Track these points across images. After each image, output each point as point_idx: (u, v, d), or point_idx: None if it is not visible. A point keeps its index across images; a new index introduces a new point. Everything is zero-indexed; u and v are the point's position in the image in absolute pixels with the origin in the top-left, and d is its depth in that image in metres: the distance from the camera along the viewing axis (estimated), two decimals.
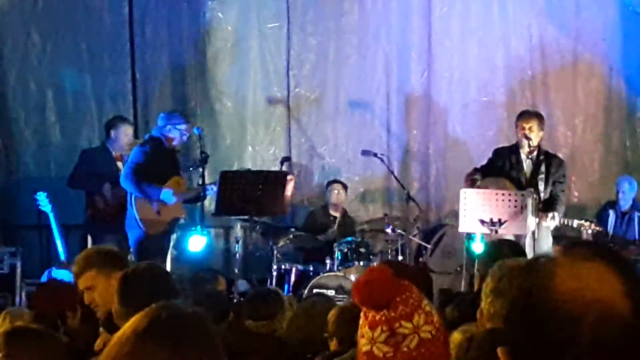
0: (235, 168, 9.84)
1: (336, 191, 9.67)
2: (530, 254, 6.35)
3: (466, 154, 10.31)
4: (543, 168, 8.02)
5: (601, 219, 9.18)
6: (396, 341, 2.00)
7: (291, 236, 9.02)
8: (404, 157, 10.58)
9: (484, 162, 8.48)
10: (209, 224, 9.31)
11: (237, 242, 8.89)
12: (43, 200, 7.94)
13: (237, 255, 8.74)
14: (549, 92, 10.52)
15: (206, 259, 8.72)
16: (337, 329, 3.88)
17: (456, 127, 10.53)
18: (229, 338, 4.19)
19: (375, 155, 9.64)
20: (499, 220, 7.31)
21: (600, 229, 8.60)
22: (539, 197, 7.87)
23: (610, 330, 1.30)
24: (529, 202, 7.41)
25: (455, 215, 8.61)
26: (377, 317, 2.01)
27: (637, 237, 9.23)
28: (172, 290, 3.78)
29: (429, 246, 9.64)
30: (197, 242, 8.10)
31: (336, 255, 8.61)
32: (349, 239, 8.86)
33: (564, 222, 8.11)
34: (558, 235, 8.19)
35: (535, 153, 8.07)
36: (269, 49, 10.51)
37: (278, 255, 8.70)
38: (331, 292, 7.98)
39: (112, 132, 8.56)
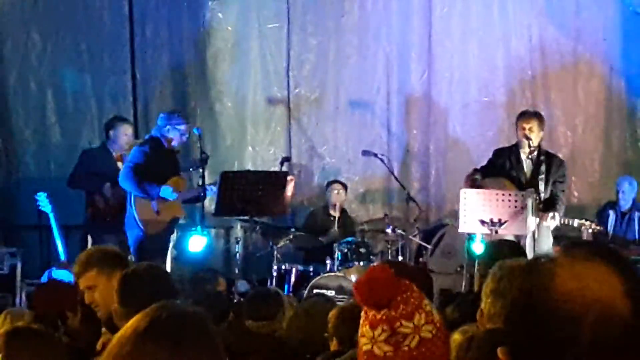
0: (235, 168, 9.85)
1: (336, 191, 9.67)
2: (530, 254, 6.35)
3: (466, 154, 10.31)
4: (543, 168, 8.02)
5: (601, 219, 9.17)
6: (397, 340, 2.00)
7: (291, 236, 9.01)
8: (404, 158, 10.57)
9: (484, 162, 8.48)
10: (209, 224, 9.32)
11: (237, 242, 8.91)
12: (43, 201, 7.94)
13: (237, 255, 8.75)
14: (549, 92, 10.52)
15: (206, 259, 8.72)
16: (337, 329, 3.88)
17: (456, 127, 10.53)
18: (229, 338, 4.19)
19: (375, 155, 9.64)
20: (499, 220, 7.31)
21: (601, 229, 8.60)
22: (539, 197, 7.87)
23: (610, 330, 1.30)
24: (529, 202, 7.41)
25: (455, 215, 8.60)
26: (378, 316, 2.01)
27: (637, 237, 9.22)
28: (172, 290, 3.78)
29: (429, 246, 9.64)
30: (197, 243, 8.10)
31: (336, 255, 8.60)
32: (349, 239, 8.86)
33: (564, 222, 8.11)
34: (558, 235, 8.19)
35: (535, 153, 8.06)
36: (269, 49, 10.52)
37: (278, 256, 8.70)
38: (331, 293, 7.97)
39: (111, 132, 8.57)
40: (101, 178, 8.23)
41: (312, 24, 10.55)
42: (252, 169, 9.96)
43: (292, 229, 9.36)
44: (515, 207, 7.36)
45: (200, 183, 8.13)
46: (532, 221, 7.54)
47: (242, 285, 8.46)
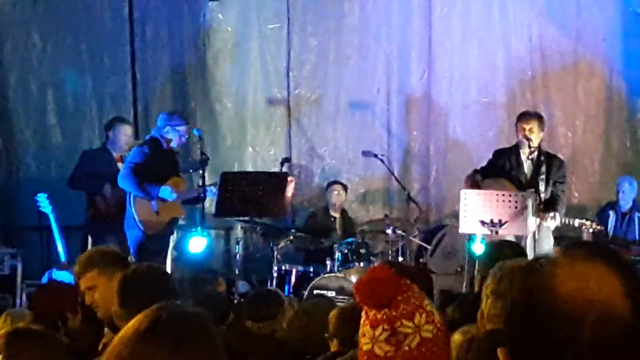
0: (235, 169, 9.86)
1: (336, 192, 9.67)
2: (531, 255, 6.35)
3: (466, 155, 10.31)
4: (543, 169, 8.02)
5: (601, 219, 9.17)
6: (397, 340, 2.00)
7: (291, 237, 9.01)
8: (405, 158, 10.58)
9: (484, 162, 8.48)
10: (210, 225, 9.31)
11: (238, 243, 8.90)
12: (43, 201, 7.94)
13: (238, 256, 8.74)
14: (549, 92, 10.52)
15: (206, 260, 8.71)
16: (337, 330, 3.88)
17: (456, 128, 10.53)
18: (229, 339, 4.19)
19: (375, 156, 9.65)
20: (500, 221, 7.31)
21: (602, 228, 8.61)
22: (540, 198, 7.87)
23: (610, 330, 1.31)
24: (530, 202, 7.40)
25: (455, 216, 8.61)
26: (379, 316, 2.01)
27: (637, 237, 9.22)
28: (172, 291, 3.78)
29: (429, 247, 9.64)
30: (197, 243, 8.10)
31: (336, 256, 8.61)
32: (349, 240, 8.86)
33: (565, 222, 8.11)
34: (559, 235, 8.19)
35: (535, 154, 8.06)
36: (269, 49, 10.52)
37: (278, 257, 8.70)
38: (331, 293, 7.98)
39: (111, 133, 8.58)
40: (101, 179, 8.23)
41: (312, 24, 10.55)
42: (252, 169, 9.97)
43: (293, 230, 9.36)
44: (516, 207, 7.36)
45: (201, 184, 8.13)
46: (532, 222, 7.54)
47: (242, 286, 8.46)
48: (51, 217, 7.90)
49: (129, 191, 7.79)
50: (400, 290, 2.04)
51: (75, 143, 9.90)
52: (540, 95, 10.50)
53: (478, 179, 7.99)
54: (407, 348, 2.00)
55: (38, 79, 10.05)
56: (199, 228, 8.17)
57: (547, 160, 8.10)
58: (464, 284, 8.08)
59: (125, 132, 8.59)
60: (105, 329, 3.92)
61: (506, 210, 7.35)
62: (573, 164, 9.95)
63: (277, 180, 8.20)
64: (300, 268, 8.77)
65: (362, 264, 8.49)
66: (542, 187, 7.96)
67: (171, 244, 8.42)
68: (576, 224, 8.24)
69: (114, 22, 10.22)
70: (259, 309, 4.56)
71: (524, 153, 8.06)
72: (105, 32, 10.21)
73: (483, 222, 7.33)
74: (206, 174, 8.21)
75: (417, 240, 9.62)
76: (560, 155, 8.71)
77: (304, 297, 7.82)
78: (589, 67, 10.52)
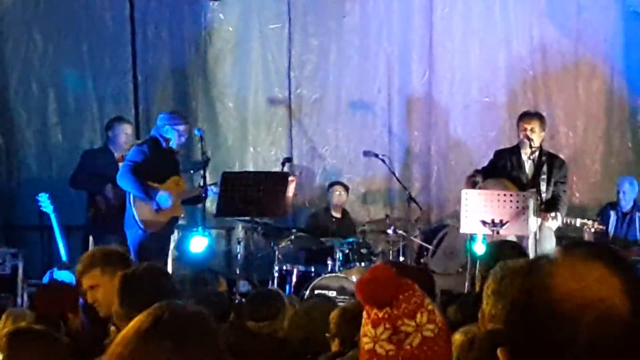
0: (236, 169, 9.86)
1: (338, 192, 9.68)
2: (532, 255, 6.35)
3: (467, 155, 10.31)
4: (545, 169, 8.02)
5: (602, 219, 9.16)
6: (399, 339, 2.00)
7: (292, 237, 9.01)
8: (406, 158, 10.58)
9: (485, 162, 8.48)
10: (211, 225, 9.32)
11: (239, 243, 8.91)
12: (45, 201, 7.94)
13: (239, 256, 8.75)
14: (550, 92, 10.53)
15: (207, 259, 8.71)
16: (338, 330, 3.88)
17: (457, 128, 10.53)
18: (230, 339, 4.20)
19: (376, 156, 9.64)
20: (501, 221, 7.30)
21: (603, 228, 8.60)
22: (541, 198, 7.87)
23: (609, 330, 1.31)
24: (531, 202, 7.40)
25: (456, 216, 8.61)
26: (380, 315, 2.01)
27: (638, 237, 9.21)
28: (172, 290, 3.78)
29: (430, 247, 9.64)
30: (198, 243, 8.10)
31: (337, 256, 8.61)
32: (351, 240, 8.86)
33: (566, 222, 8.11)
34: (561, 235, 8.19)
35: (536, 154, 8.06)
36: (270, 49, 10.52)
37: (279, 256, 8.70)
38: (332, 293, 7.98)
39: (110, 132, 8.59)
40: (103, 179, 8.22)
41: (313, 24, 10.55)
42: (253, 169, 9.97)
43: (294, 230, 9.37)
44: (517, 207, 7.35)
45: (202, 184, 8.12)
46: (533, 222, 7.54)
47: (243, 286, 8.46)
48: (52, 216, 7.90)
49: (127, 190, 7.79)
50: (401, 289, 2.04)
51: (76, 143, 9.90)
52: (541, 96, 10.51)
53: (478, 180, 7.98)
54: (408, 347, 2.00)
55: (39, 79, 10.06)
56: (200, 228, 8.17)
57: (548, 160, 8.10)
58: (466, 284, 8.07)
59: (125, 131, 8.59)
60: (112, 327, 3.92)
61: (507, 211, 7.34)
62: (574, 164, 9.95)
63: (278, 180, 8.20)
64: (301, 268, 8.78)
65: (363, 264, 8.49)
66: (543, 187, 7.96)
67: (172, 244, 8.42)
68: (578, 224, 8.25)
69: (115, 22, 10.22)
70: (260, 308, 4.56)
71: (525, 153, 8.06)
72: (106, 33, 10.21)
73: (484, 222, 7.32)
74: (207, 174, 8.21)
75: (418, 241, 9.62)
76: (561, 155, 8.71)
77: (305, 297, 7.82)
78: (590, 67, 10.52)
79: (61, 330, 4.05)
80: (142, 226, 7.72)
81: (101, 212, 8.27)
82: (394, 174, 9.94)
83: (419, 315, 2.02)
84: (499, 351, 1.41)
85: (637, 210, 9.29)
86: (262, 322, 4.48)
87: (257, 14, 10.49)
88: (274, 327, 4.49)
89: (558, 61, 10.51)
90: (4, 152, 10.04)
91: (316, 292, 8.05)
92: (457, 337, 3.23)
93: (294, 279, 8.68)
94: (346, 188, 9.79)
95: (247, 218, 8.45)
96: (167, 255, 8.15)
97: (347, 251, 8.65)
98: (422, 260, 9.64)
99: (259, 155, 10.49)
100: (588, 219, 8.44)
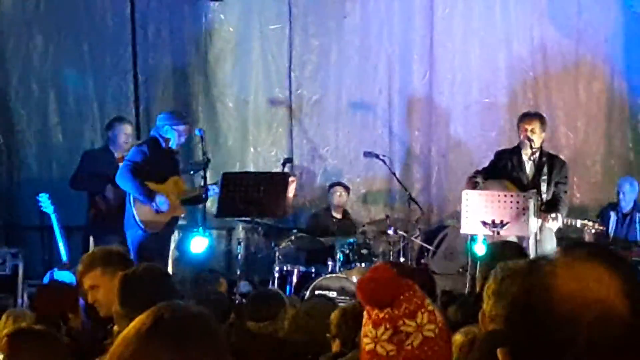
0: (237, 169, 9.85)
1: (338, 193, 9.68)
2: (533, 256, 6.35)
3: (468, 156, 10.31)
4: (545, 169, 8.02)
5: (602, 220, 9.16)
6: (399, 339, 2.00)
7: (293, 237, 9.01)
8: (406, 159, 10.58)
9: (486, 163, 8.48)
10: (211, 226, 9.32)
11: (239, 243, 8.91)
12: (45, 202, 7.94)
13: (239, 256, 8.75)
14: (550, 93, 10.53)
15: (208, 260, 8.72)
16: (339, 330, 3.89)
17: (458, 129, 10.53)
18: (230, 339, 4.20)
19: (377, 156, 9.64)
20: (501, 221, 7.31)
21: (603, 229, 8.60)
22: (541, 199, 7.87)
23: (609, 330, 1.31)
24: (531, 203, 7.40)
25: (457, 216, 8.61)
26: (381, 315, 2.02)
27: (638, 238, 9.21)
28: (172, 291, 3.79)
29: (431, 248, 9.64)
30: (199, 244, 8.10)
31: (338, 256, 8.61)
32: (351, 240, 8.85)
33: (567, 223, 8.11)
34: (561, 236, 8.19)
35: (537, 155, 8.06)
36: (271, 50, 10.52)
37: (280, 257, 8.70)
38: (333, 294, 7.98)
39: (110, 132, 8.59)
40: (103, 179, 8.22)
41: (313, 25, 10.55)
42: (253, 170, 9.96)
43: (294, 230, 9.37)
44: (517, 208, 7.36)
45: (202, 184, 8.12)
46: (534, 222, 7.53)
47: (243, 286, 8.46)
48: (53, 217, 7.90)
49: (125, 190, 7.79)
50: (402, 289, 2.04)
51: (77, 143, 9.90)
52: (541, 96, 10.51)
53: (479, 181, 7.98)
54: (409, 347, 2.00)
55: (40, 79, 10.05)
56: (200, 228, 8.17)
57: (548, 161, 8.10)
58: (466, 285, 8.07)
59: (124, 131, 8.59)
60: (115, 327, 3.92)
61: (508, 211, 7.35)
62: (574, 165, 9.94)
63: (279, 181, 8.20)
64: (302, 268, 8.77)
65: (363, 265, 8.49)
66: (543, 187, 7.96)
67: (173, 244, 8.42)
68: (578, 225, 8.25)
69: (116, 22, 10.22)
70: (260, 309, 4.56)
71: (525, 154, 8.06)
72: (107, 33, 10.21)
73: (485, 223, 7.33)
74: (207, 175, 8.20)
75: (418, 241, 9.61)
76: (561, 156, 8.71)
77: (306, 297, 7.82)
78: (591, 67, 10.52)
79: (61, 330, 4.05)
80: (142, 226, 7.72)
81: (101, 212, 8.27)
82: (394, 174, 9.93)
83: (419, 316, 2.02)
84: (498, 351, 1.41)
85: (637, 211, 9.28)
86: (262, 322, 4.49)
87: (258, 14, 10.49)
88: (275, 328, 4.49)
89: (558, 62, 10.51)
90: (4, 152, 10.03)
91: (317, 292, 8.05)
92: (458, 337, 3.23)
93: (295, 279, 8.68)
94: (347, 188, 9.79)
95: (247, 218, 8.45)
96: (167, 255, 8.15)
97: (347, 252, 8.65)
98: (422, 261, 9.65)
99: (260, 155, 10.49)
100: (588, 220, 8.44)
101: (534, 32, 10.46)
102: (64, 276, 7.04)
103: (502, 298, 3.17)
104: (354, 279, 8.07)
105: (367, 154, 9.82)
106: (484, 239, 7.45)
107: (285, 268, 8.69)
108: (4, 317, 4.76)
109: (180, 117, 8.22)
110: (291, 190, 8.15)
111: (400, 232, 9.01)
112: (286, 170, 9.06)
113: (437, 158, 10.54)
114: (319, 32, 10.55)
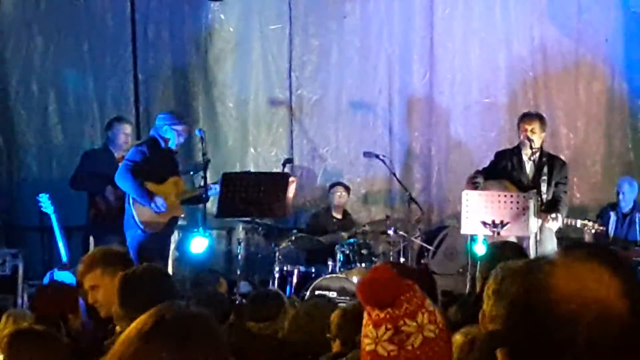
0: (237, 169, 9.85)
1: (339, 194, 9.68)
2: (533, 256, 6.35)
3: (468, 156, 10.31)
4: (545, 170, 8.02)
5: (602, 220, 9.16)
6: (400, 339, 2.00)
7: (293, 238, 9.02)
8: (406, 159, 10.58)
9: (486, 163, 8.48)
10: (211, 226, 9.31)
11: (239, 243, 8.91)
12: (45, 202, 7.94)
13: (239, 256, 8.75)
14: (551, 93, 10.53)
15: (208, 260, 8.72)
16: (339, 331, 3.88)
17: (458, 129, 10.53)
18: (230, 339, 4.20)
19: (377, 156, 9.65)
20: (501, 222, 7.31)
21: (603, 229, 8.60)
22: (541, 199, 7.87)
23: (608, 330, 1.31)
24: (531, 203, 7.41)
25: (457, 217, 8.61)
26: (382, 315, 2.01)
27: (638, 238, 9.21)
28: (172, 291, 3.79)
29: (431, 248, 9.64)
30: (199, 244, 8.10)
31: (338, 257, 8.61)
32: (351, 240, 8.86)
33: (567, 223, 8.11)
34: (561, 236, 8.19)
35: (537, 155, 8.07)
36: (271, 50, 10.52)
37: (280, 257, 8.70)
38: (333, 294, 7.98)
39: (110, 132, 8.59)
40: (103, 179, 8.22)
41: (314, 25, 10.55)
42: (253, 170, 9.97)
43: (294, 231, 9.37)
44: (517, 208, 7.36)
45: (202, 185, 8.12)
46: (534, 223, 7.54)
47: (243, 287, 8.47)
48: (52, 217, 7.90)
49: (124, 190, 7.79)
50: (402, 290, 2.04)
51: (77, 143, 9.89)
52: (541, 96, 10.51)
53: (480, 182, 7.99)
54: (410, 347, 2.00)
55: (40, 79, 10.05)
56: (200, 228, 8.17)
57: (548, 161, 8.11)
58: (466, 285, 8.07)
59: (124, 131, 8.59)
60: (117, 328, 3.92)
61: (508, 211, 7.35)
62: (574, 165, 9.95)
63: (279, 181, 8.21)
64: (302, 269, 8.77)
65: (363, 265, 8.49)
66: (543, 188, 7.96)
67: (173, 245, 8.42)
68: (578, 225, 8.25)
69: (116, 22, 10.22)
70: (260, 309, 4.57)
71: (525, 154, 8.07)
72: (107, 33, 10.21)
73: (485, 223, 7.33)
74: (208, 175, 8.19)
75: (418, 241, 9.62)
76: (561, 156, 8.71)
77: (306, 297, 7.82)
78: (591, 67, 10.52)
79: (61, 330, 4.05)
80: (141, 227, 7.72)
81: (101, 212, 8.27)
82: (394, 174, 9.94)
83: (420, 316, 2.02)
84: (498, 352, 1.41)
85: (637, 211, 9.28)
86: (262, 322, 4.49)
87: (258, 14, 10.49)
88: (275, 328, 4.50)
89: (558, 62, 10.51)
90: (4, 152, 10.03)
91: (317, 292, 8.05)
92: (458, 337, 3.23)
93: (295, 279, 8.67)
94: (347, 189, 9.79)
95: (247, 219, 8.45)
96: (167, 255, 8.15)
97: (347, 252, 8.65)
98: (422, 261, 9.65)
99: (260, 155, 10.49)
100: (588, 220, 8.44)
101: (534, 32, 10.46)
102: (64, 276, 7.05)
103: (502, 298, 3.17)
104: (354, 279, 8.08)
105: (367, 154, 9.83)
106: (484, 239, 7.45)
107: (285, 268, 8.69)
108: (4, 317, 4.76)
109: (180, 117, 8.23)
110: (291, 191, 8.15)
111: (401, 233, 9.01)
112: (286, 170, 9.07)
113: (437, 158, 10.55)
114: (319, 32, 10.55)
